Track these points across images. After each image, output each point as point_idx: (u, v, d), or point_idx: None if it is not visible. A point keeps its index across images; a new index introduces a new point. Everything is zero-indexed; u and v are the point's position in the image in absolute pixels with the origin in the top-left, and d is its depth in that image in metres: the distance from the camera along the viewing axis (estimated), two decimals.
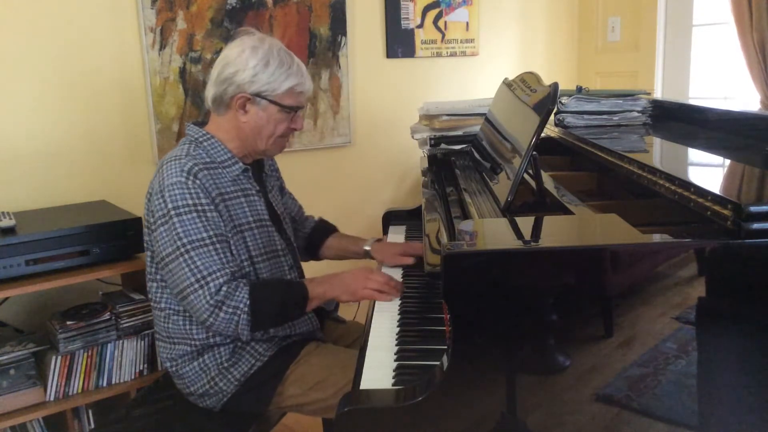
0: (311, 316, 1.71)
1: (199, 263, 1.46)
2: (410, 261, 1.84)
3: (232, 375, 1.59)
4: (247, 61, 1.55)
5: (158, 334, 1.68)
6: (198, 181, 1.51)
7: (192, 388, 1.63)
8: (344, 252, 2.00)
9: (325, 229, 2.01)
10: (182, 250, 1.47)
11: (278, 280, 1.63)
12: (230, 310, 1.45)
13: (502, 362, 1.10)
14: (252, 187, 1.65)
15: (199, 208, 1.50)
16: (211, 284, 1.45)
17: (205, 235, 1.48)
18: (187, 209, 1.49)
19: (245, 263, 1.59)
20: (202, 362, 1.61)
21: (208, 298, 1.45)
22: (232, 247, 1.56)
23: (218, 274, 1.46)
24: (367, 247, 1.96)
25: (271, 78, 1.56)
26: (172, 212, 1.48)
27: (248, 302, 1.46)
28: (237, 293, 1.46)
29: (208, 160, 1.58)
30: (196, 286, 1.45)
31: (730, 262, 1.05)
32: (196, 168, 1.53)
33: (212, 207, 1.52)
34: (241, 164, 1.63)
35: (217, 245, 1.49)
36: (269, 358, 1.61)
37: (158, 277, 1.61)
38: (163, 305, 1.62)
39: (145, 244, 1.64)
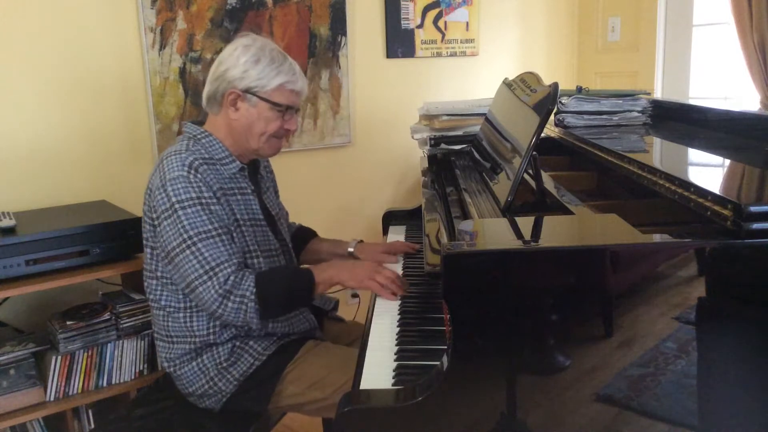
0: (308, 315, 1.71)
1: (206, 254, 1.47)
2: (394, 260, 1.87)
3: (231, 375, 1.59)
4: (238, 58, 1.57)
5: (157, 333, 1.68)
6: (199, 175, 1.52)
7: (191, 388, 1.63)
8: (326, 255, 1.99)
9: (305, 234, 2.01)
10: (189, 242, 1.47)
11: (284, 267, 1.65)
12: (238, 299, 1.46)
13: (502, 362, 1.10)
14: (247, 186, 1.66)
15: (203, 201, 1.50)
16: (220, 275, 1.46)
17: (210, 227, 1.49)
18: (190, 202, 1.49)
19: (245, 256, 1.59)
20: (201, 363, 1.60)
21: (216, 287, 1.45)
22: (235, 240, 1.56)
23: (226, 264, 1.47)
24: (350, 249, 1.96)
25: (261, 74, 1.57)
26: (177, 206, 1.49)
27: (255, 290, 1.46)
28: (244, 282, 1.47)
29: (206, 156, 1.59)
30: (205, 277, 1.46)
31: (730, 262, 1.05)
32: (197, 162, 1.54)
33: (215, 200, 1.53)
34: (238, 163, 1.64)
35: (223, 237, 1.50)
36: (268, 357, 1.61)
37: (159, 274, 1.61)
38: (163, 303, 1.62)
39: (144, 241, 1.63)
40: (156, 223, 1.54)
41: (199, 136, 1.62)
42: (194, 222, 1.48)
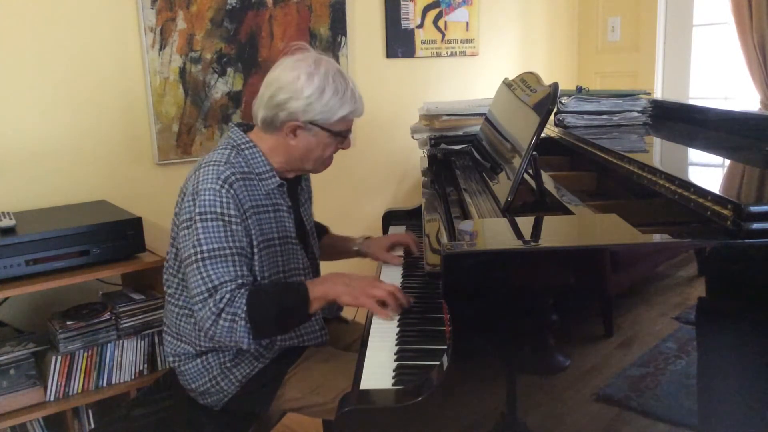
0: (320, 328, 1.69)
1: (212, 273, 1.44)
2: (398, 261, 1.85)
3: (234, 375, 1.59)
4: (303, 89, 1.52)
5: (167, 327, 1.68)
6: (232, 191, 1.50)
7: (193, 385, 1.63)
8: (336, 251, 1.99)
9: (319, 230, 2.00)
10: (199, 257, 1.45)
11: (278, 283, 1.60)
12: (229, 317, 1.42)
13: (502, 362, 1.10)
14: (284, 202, 1.63)
15: (226, 218, 1.48)
16: (218, 295, 1.43)
17: (225, 245, 1.46)
18: (213, 216, 1.47)
19: (265, 280, 1.57)
20: (205, 360, 1.60)
21: (212, 306, 1.42)
22: (255, 263, 1.54)
23: (228, 285, 1.44)
24: (356, 247, 1.96)
25: (325, 108, 1.54)
26: (197, 217, 1.47)
27: (245, 308, 1.42)
28: (236, 300, 1.43)
29: (246, 169, 1.56)
30: (206, 295, 1.44)
31: (730, 262, 1.05)
32: (233, 178, 1.51)
33: (239, 220, 1.50)
34: (277, 179, 1.60)
35: (235, 257, 1.47)
36: (271, 361, 1.61)
37: (181, 276, 1.60)
38: (181, 303, 1.62)
39: (170, 240, 1.63)
40: (180, 228, 1.53)
41: (242, 147, 1.59)
42: (209, 237, 1.46)
